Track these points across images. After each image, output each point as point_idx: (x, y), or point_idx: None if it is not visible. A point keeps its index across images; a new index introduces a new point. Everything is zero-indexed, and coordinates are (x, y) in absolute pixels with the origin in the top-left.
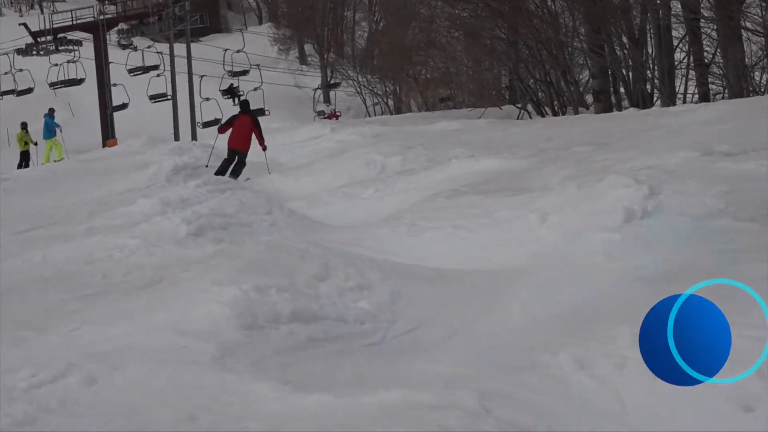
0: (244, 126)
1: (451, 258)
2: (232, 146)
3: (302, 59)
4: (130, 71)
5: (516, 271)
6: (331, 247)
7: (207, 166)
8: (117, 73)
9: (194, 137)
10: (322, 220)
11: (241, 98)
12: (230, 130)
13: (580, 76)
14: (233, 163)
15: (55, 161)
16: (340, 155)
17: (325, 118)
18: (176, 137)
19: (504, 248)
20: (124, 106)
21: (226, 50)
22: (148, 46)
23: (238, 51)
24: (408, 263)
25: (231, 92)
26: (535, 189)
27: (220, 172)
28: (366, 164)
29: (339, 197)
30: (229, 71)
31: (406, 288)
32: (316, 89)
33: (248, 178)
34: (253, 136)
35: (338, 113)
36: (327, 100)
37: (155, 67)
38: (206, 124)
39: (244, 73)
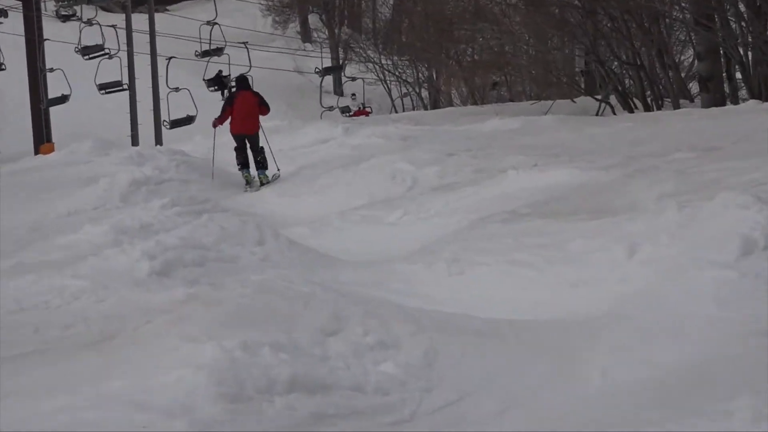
0: (247, 103)
1: (506, 304)
2: (237, 131)
3: (305, 35)
4: (85, 53)
5: (595, 322)
6: (345, 290)
7: (213, 179)
8: (55, 54)
9: (159, 141)
10: (333, 253)
11: (237, 76)
12: (230, 117)
13: (682, 58)
14: (251, 152)
15: None
16: (356, 165)
17: (350, 116)
18: (135, 141)
19: (578, 291)
20: (63, 98)
21: (214, 24)
22: (88, 20)
23: (208, 23)
24: (448, 311)
25: (219, 82)
26: (620, 210)
27: (243, 164)
28: (392, 177)
29: (355, 222)
30: (196, 51)
31: (445, 345)
32: (322, 75)
33: (278, 171)
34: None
35: (368, 109)
36: (340, 90)
37: (100, 47)
38: (175, 124)
39: (218, 52)
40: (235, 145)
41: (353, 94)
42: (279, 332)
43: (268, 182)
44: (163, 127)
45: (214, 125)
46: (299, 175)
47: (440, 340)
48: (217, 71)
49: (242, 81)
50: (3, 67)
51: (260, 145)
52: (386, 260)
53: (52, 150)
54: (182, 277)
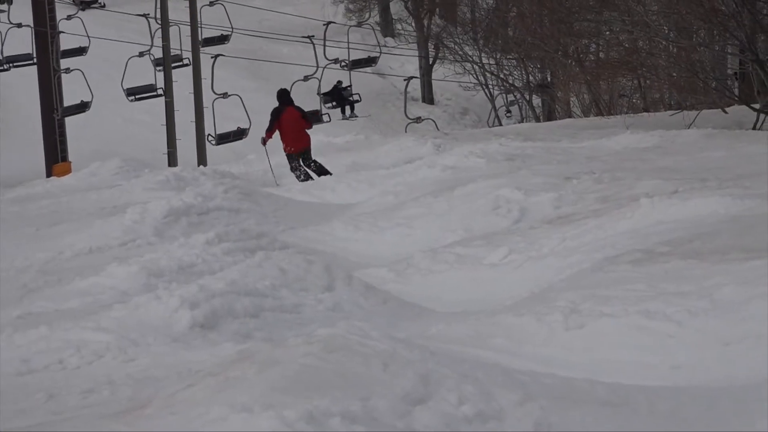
0: (293, 119)
1: (638, 367)
2: (293, 150)
3: (386, 28)
4: (159, 62)
5: (752, 392)
6: (435, 348)
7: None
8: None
9: (202, 160)
10: (420, 301)
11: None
12: (277, 131)
13: None
14: (309, 164)
15: None
16: (450, 191)
17: None
18: (172, 160)
19: (730, 350)
20: (83, 106)
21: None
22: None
23: (211, 3)
24: (565, 375)
25: (339, 96)
26: None
27: (306, 176)
28: (494, 207)
29: (448, 262)
30: (201, 40)
31: (561, 417)
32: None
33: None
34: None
35: None
36: (429, 97)
37: (179, 57)
38: (223, 139)
39: (222, 40)
40: (290, 164)
41: (508, 111)
42: (352, 400)
43: None
44: (207, 144)
45: (264, 142)
46: (378, 204)
47: (554, 411)
48: (334, 84)
49: (284, 94)
50: (6, 66)
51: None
52: (486, 310)
53: (68, 171)
54: (231, 330)
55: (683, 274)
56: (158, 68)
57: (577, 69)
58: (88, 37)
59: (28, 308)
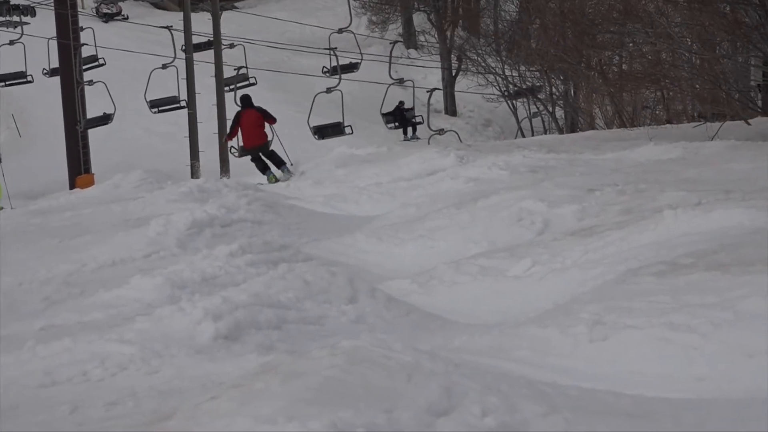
0: (251, 119)
1: (662, 379)
2: (250, 145)
3: (409, 39)
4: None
5: None
6: (458, 360)
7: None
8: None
9: (225, 171)
10: (443, 313)
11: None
12: (239, 132)
13: None
14: (266, 159)
15: None
16: (473, 203)
17: None
18: (195, 172)
19: (755, 362)
20: (106, 118)
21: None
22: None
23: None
24: (589, 387)
25: (401, 117)
26: None
27: (263, 169)
28: (518, 219)
29: (471, 274)
30: (196, 43)
31: (584, 430)
32: (430, 90)
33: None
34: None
35: None
36: (453, 109)
37: (244, 77)
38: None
39: (208, 46)
40: (250, 157)
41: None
42: (376, 412)
43: (289, 177)
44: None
45: (227, 140)
46: (401, 216)
47: (578, 424)
48: (397, 105)
49: (245, 99)
50: (29, 78)
51: (270, 149)
52: (510, 322)
53: (91, 183)
54: (255, 342)
55: (707, 286)
56: (227, 88)
57: (600, 81)
58: (87, 46)
59: (51, 320)
